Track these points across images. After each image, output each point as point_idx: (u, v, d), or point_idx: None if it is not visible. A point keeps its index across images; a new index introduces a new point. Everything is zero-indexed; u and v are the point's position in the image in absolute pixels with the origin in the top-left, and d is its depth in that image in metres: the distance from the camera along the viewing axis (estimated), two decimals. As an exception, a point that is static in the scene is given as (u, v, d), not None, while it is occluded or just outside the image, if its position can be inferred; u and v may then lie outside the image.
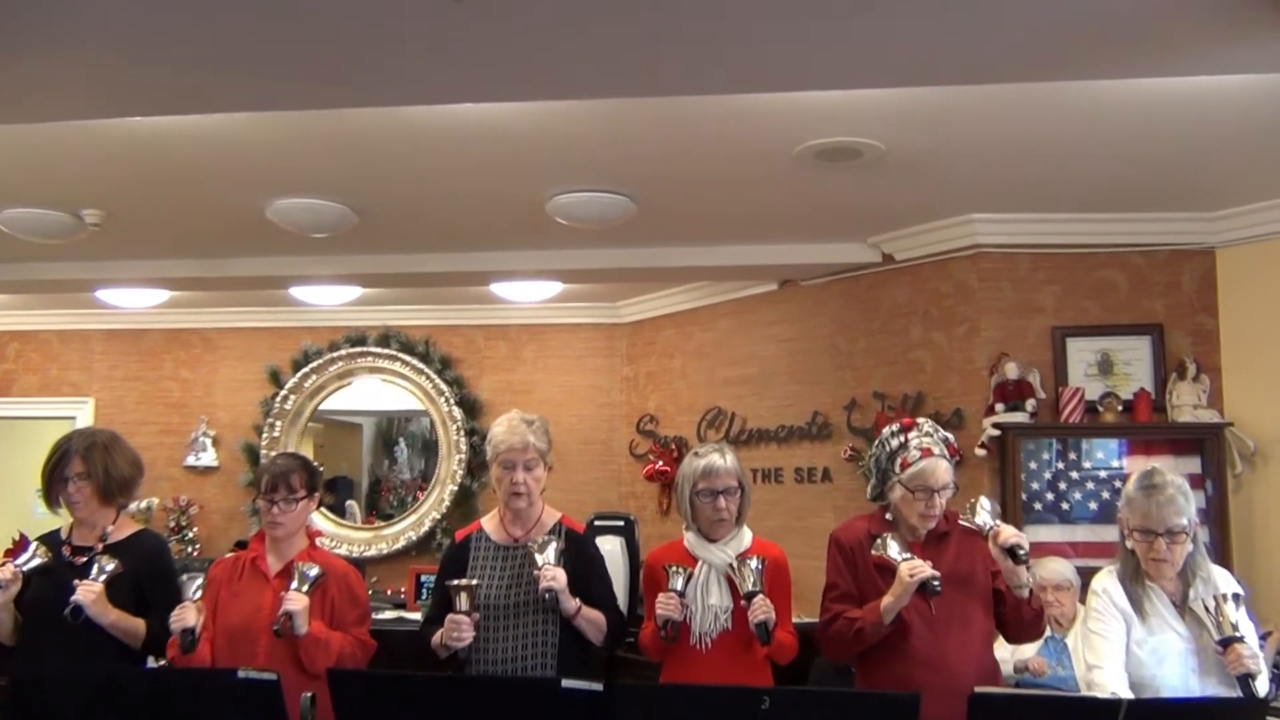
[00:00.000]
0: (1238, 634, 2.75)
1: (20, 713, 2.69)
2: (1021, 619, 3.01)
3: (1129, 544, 2.93)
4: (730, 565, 3.13)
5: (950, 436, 3.16)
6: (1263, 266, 4.55)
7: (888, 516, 3.10)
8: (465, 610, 3.01)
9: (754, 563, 3.08)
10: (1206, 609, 2.81)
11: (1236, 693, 2.72)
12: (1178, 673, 2.82)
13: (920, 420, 3.14)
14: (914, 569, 2.86)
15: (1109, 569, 3.03)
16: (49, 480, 3.34)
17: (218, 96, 3.27)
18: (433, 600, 3.30)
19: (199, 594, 3.10)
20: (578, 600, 3.07)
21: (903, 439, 3.06)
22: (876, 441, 3.17)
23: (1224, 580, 2.93)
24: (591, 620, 3.11)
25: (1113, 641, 2.88)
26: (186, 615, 3.02)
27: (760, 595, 3.02)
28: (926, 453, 3.00)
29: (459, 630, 3.00)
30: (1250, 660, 2.71)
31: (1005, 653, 3.63)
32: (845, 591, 3.08)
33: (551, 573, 3.00)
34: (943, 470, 2.99)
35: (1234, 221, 4.59)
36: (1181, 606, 2.88)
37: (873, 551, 2.98)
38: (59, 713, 2.64)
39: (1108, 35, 2.81)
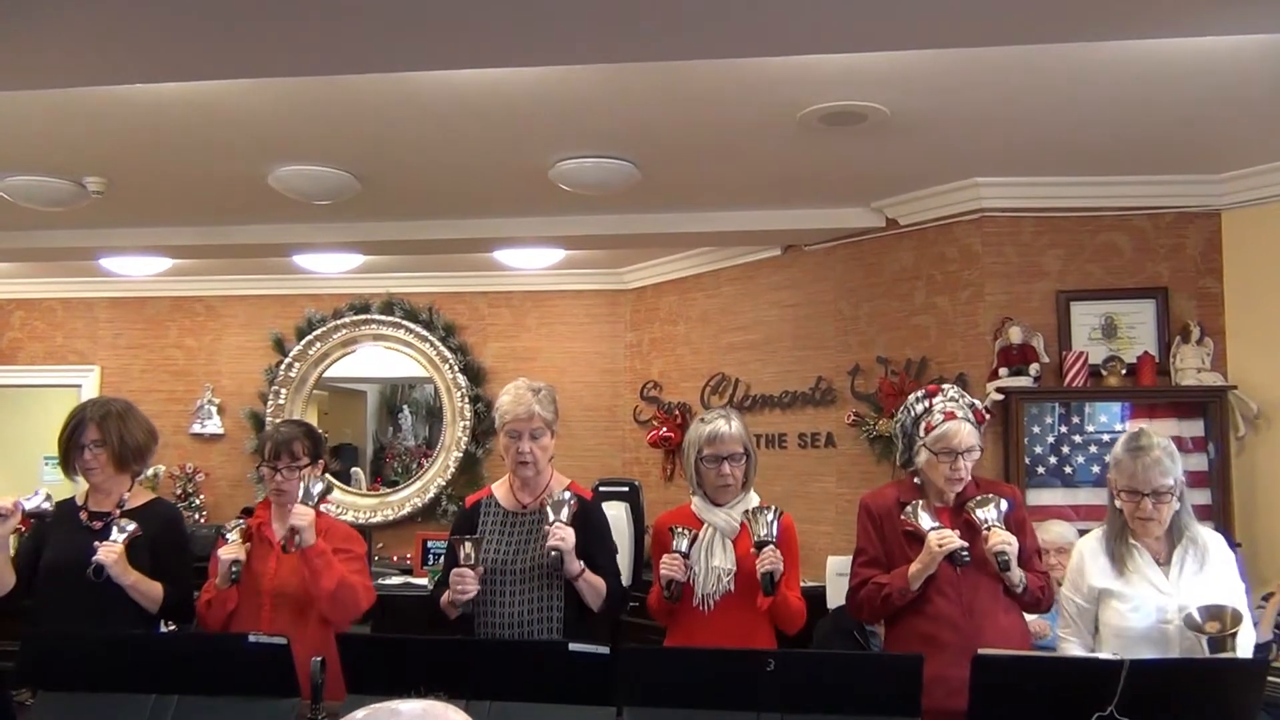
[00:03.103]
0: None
1: (34, 672, 2.73)
2: (1022, 602, 3.07)
3: (1118, 504, 3.00)
4: (746, 513, 3.16)
5: (977, 403, 3.18)
6: (1268, 229, 4.53)
7: (916, 481, 3.14)
8: (470, 564, 3.04)
9: (769, 514, 3.10)
10: None
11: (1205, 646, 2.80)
12: (1152, 623, 2.88)
13: (945, 386, 3.19)
14: (943, 539, 2.91)
15: (1097, 531, 3.10)
16: (65, 447, 3.39)
17: (220, 63, 3.25)
18: (444, 564, 3.34)
19: (235, 533, 3.25)
20: (582, 563, 3.09)
21: (927, 404, 3.10)
22: (902, 408, 3.20)
23: (1212, 540, 2.98)
24: (592, 585, 3.13)
25: (1076, 615, 3.02)
26: (238, 551, 3.19)
27: (771, 546, 3.04)
28: (949, 416, 3.04)
29: (463, 583, 3.03)
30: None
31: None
32: (873, 557, 3.13)
33: (561, 533, 3.02)
34: (965, 433, 3.03)
35: (1239, 184, 4.57)
36: (1166, 564, 2.94)
37: (903, 518, 3.03)
38: (72, 674, 2.67)
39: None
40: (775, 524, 3.09)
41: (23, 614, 3.30)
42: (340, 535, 3.34)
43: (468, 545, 3.06)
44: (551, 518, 3.06)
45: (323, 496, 3.23)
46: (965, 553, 2.90)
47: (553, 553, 3.02)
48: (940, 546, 2.91)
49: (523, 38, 3.06)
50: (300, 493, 3.20)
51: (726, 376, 6.00)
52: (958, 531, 2.95)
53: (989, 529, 2.96)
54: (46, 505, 3.30)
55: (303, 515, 3.14)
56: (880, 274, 5.25)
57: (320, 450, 3.40)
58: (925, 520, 2.98)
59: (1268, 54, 3.30)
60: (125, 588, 3.19)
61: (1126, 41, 3.19)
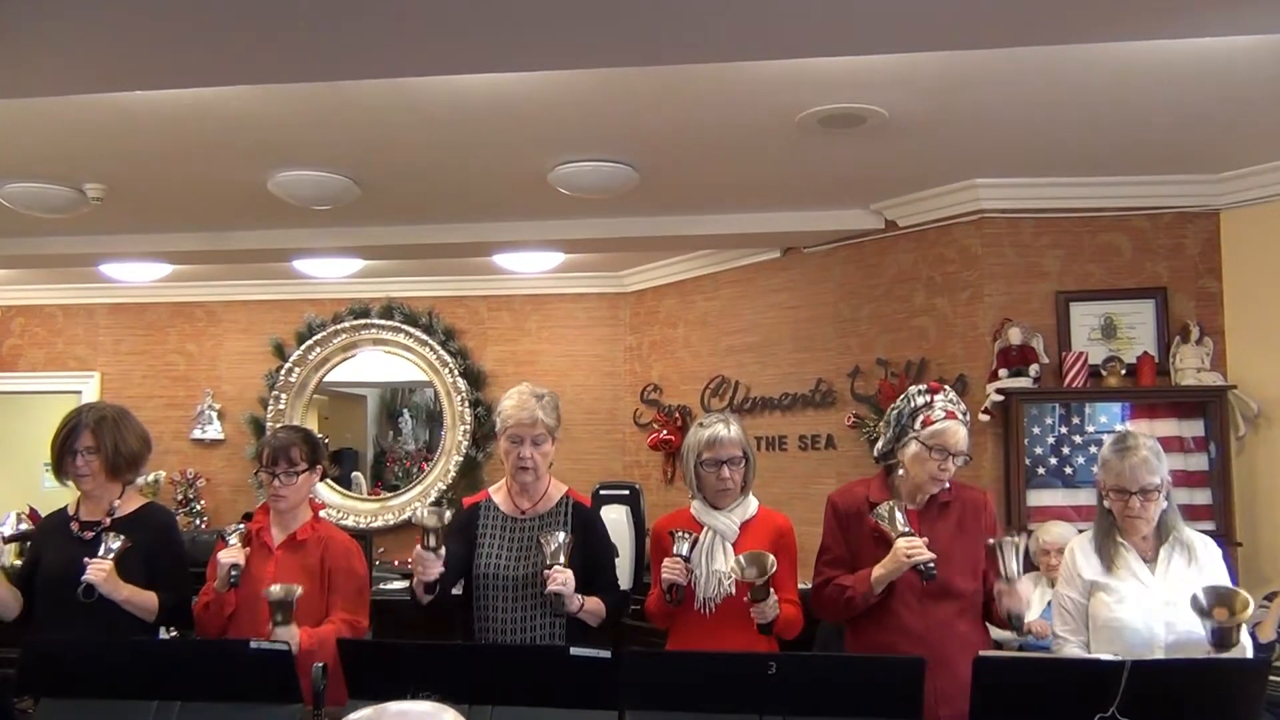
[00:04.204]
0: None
1: (36, 679, 2.72)
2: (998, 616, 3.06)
3: (1106, 504, 3.03)
4: (736, 560, 3.08)
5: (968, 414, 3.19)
6: (1267, 228, 4.53)
7: (899, 472, 3.11)
8: (432, 547, 3.03)
9: (767, 558, 3.02)
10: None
11: (1199, 631, 2.79)
12: (1140, 615, 2.90)
13: (946, 387, 3.19)
14: (911, 549, 2.88)
15: (1087, 531, 3.13)
16: (58, 453, 3.35)
17: (219, 69, 3.25)
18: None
19: (234, 537, 3.23)
20: (580, 598, 3.08)
21: (928, 398, 3.09)
22: (901, 397, 3.18)
23: (1199, 540, 3.00)
24: (592, 613, 3.14)
25: (1073, 611, 3.03)
26: (237, 554, 3.16)
27: (769, 597, 3.00)
28: (950, 415, 3.04)
29: (425, 565, 3.03)
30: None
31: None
32: (838, 556, 3.13)
33: (562, 577, 3.00)
34: (963, 435, 3.03)
35: (1239, 184, 4.57)
36: (1153, 562, 2.97)
37: (873, 518, 3.00)
38: (73, 680, 2.67)
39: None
40: (770, 572, 2.99)
41: (24, 621, 3.29)
42: (340, 552, 3.30)
43: (431, 536, 3.03)
44: (548, 559, 3.03)
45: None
46: (932, 565, 2.86)
47: (553, 597, 3.00)
48: (908, 556, 2.87)
49: (521, 42, 3.07)
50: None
51: (726, 379, 6.00)
52: (927, 540, 2.92)
53: (1008, 582, 2.91)
54: (21, 526, 3.27)
55: (288, 636, 2.95)
56: (880, 276, 5.25)
57: (318, 456, 3.38)
58: (898, 524, 2.94)
59: (1268, 54, 3.30)
60: (119, 603, 3.15)
61: (1125, 43, 3.19)
